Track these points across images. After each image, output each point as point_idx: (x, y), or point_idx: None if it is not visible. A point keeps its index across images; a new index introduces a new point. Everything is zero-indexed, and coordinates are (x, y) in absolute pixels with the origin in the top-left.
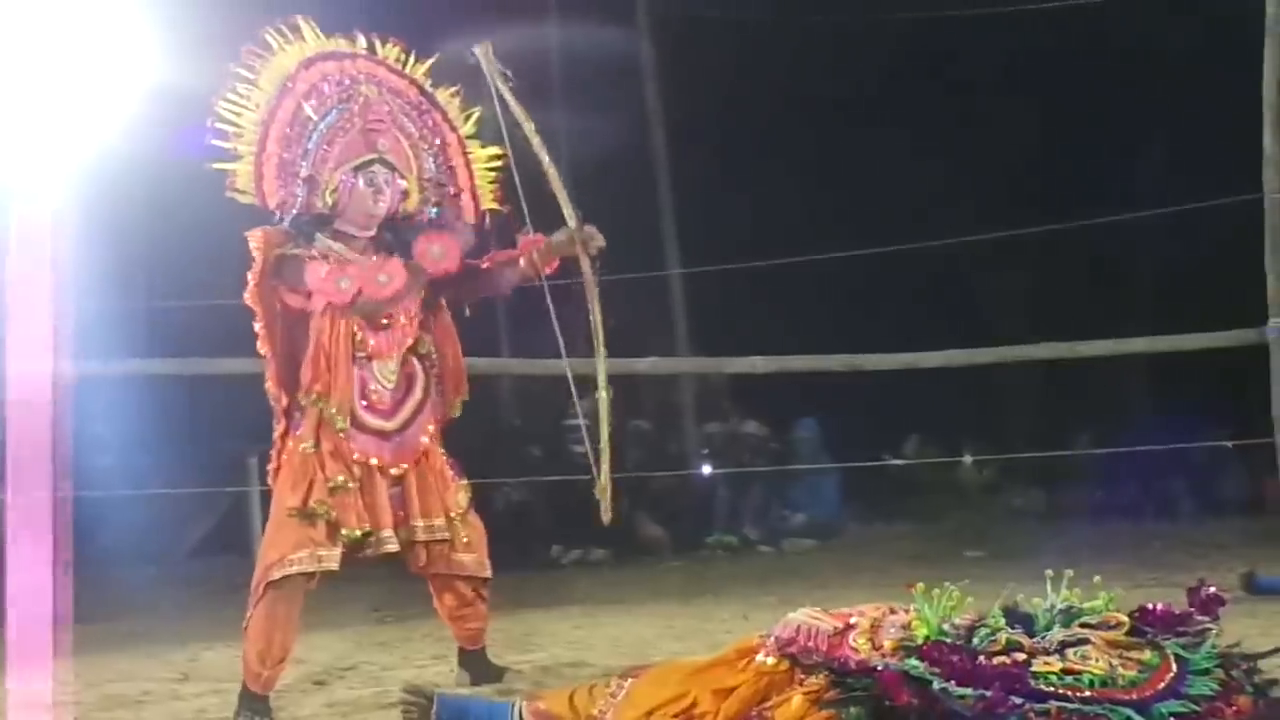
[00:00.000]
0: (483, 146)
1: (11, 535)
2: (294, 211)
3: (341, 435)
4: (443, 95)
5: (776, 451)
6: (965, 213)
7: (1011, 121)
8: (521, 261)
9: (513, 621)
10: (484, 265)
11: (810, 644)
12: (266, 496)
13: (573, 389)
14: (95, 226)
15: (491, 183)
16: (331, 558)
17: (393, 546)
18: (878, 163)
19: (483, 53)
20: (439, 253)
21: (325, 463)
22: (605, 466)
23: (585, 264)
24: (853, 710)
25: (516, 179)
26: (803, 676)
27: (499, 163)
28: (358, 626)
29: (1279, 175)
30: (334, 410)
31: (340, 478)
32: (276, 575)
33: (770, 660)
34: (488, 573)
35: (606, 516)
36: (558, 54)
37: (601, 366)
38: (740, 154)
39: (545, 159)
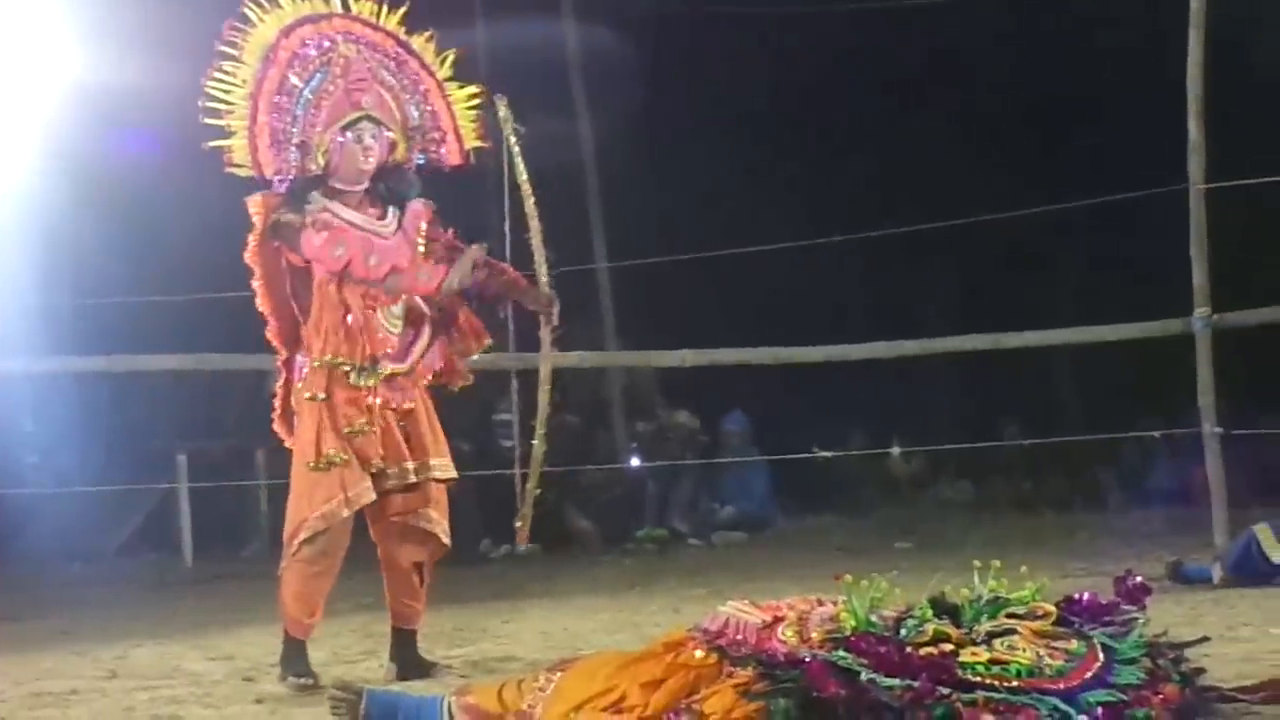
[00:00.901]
0: (460, 87)
1: None
2: (290, 177)
3: (367, 388)
4: (418, 42)
5: (705, 445)
6: (894, 204)
7: (938, 114)
8: (506, 279)
9: (442, 616)
10: (498, 265)
11: (739, 636)
12: (194, 494)
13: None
14: (19, 224)
15: (473, 121)
16: (363, 492)
17: (397, 482)
18: (805, 155)
19: (500, 105)
20: (425, 277)
21: (340, 410)
22: (530, 502)
23: (545, 330)
24: (781, 702)
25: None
26: (731, 669)
27: (477, 100)
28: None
29: (1204, 166)
30: (357, 371)
31: (360, 422)
32: (305, 535)
33: (699, 653)
34: (447, 541)
35: (522, 540)
36: (484, 48)
37: (542, 418)
38: (668, 147)
39: (534, 216)
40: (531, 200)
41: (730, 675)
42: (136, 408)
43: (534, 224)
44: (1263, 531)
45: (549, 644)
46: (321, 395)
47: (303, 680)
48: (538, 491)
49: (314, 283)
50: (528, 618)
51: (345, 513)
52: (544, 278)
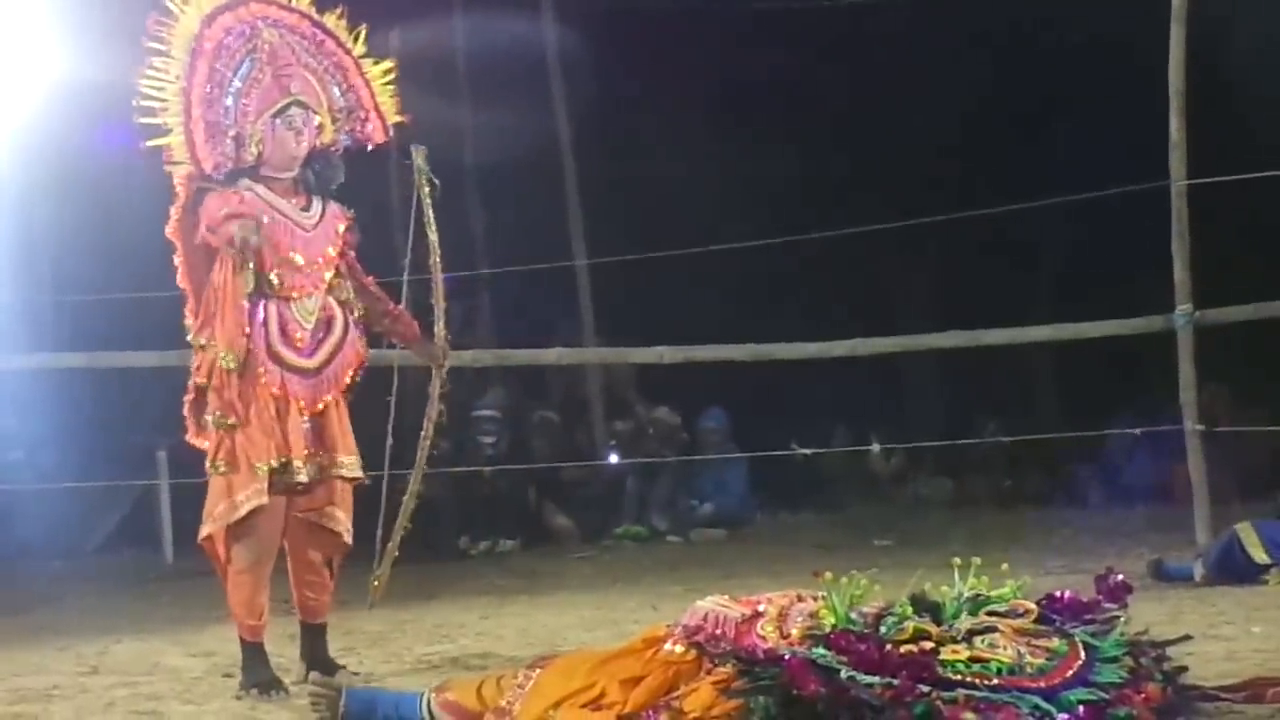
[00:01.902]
0: (375, 63)
1: None
2: (227, 169)
3: (266, 375)
4: (330, 20)
5: (684, 441)
6: (873, 201)
7: (919, 109)
8: (399, 328)
9: (422, 612)
10: (393, 309)
11: (718, 632)
12: (175, 490)
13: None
14: (2, 222)
15: (392, 97)
16: (252, 495)
17: (303, 478)
18: (784, 151)
19: (417, 155)
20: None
21: (224, 398)
22: (388, 561)
23: (435, 383)
24: (760, 699)
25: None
26: (710, 665)
27: (392, 75)
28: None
29: (1185, 163)
30: (221, 352)
31: (219, 414)
32: (209, 529)
33: (678, 649)
34: (349, 541)
35: (373, 600)
36: (464, 47)
37: (418, 473)
38: (648, 144)
39: (438, 269)
40: (437, 255)
41: (709, 672)
42: (117, 404)
43: (437, 276)
44: (1244, 530)
45: (528, 641)
46: (209, 380)
47: (263, 692)
48: (396, 555)
49: (217, 259)
50: (506, 614)
51: (232, 516)
52: (440, 330)
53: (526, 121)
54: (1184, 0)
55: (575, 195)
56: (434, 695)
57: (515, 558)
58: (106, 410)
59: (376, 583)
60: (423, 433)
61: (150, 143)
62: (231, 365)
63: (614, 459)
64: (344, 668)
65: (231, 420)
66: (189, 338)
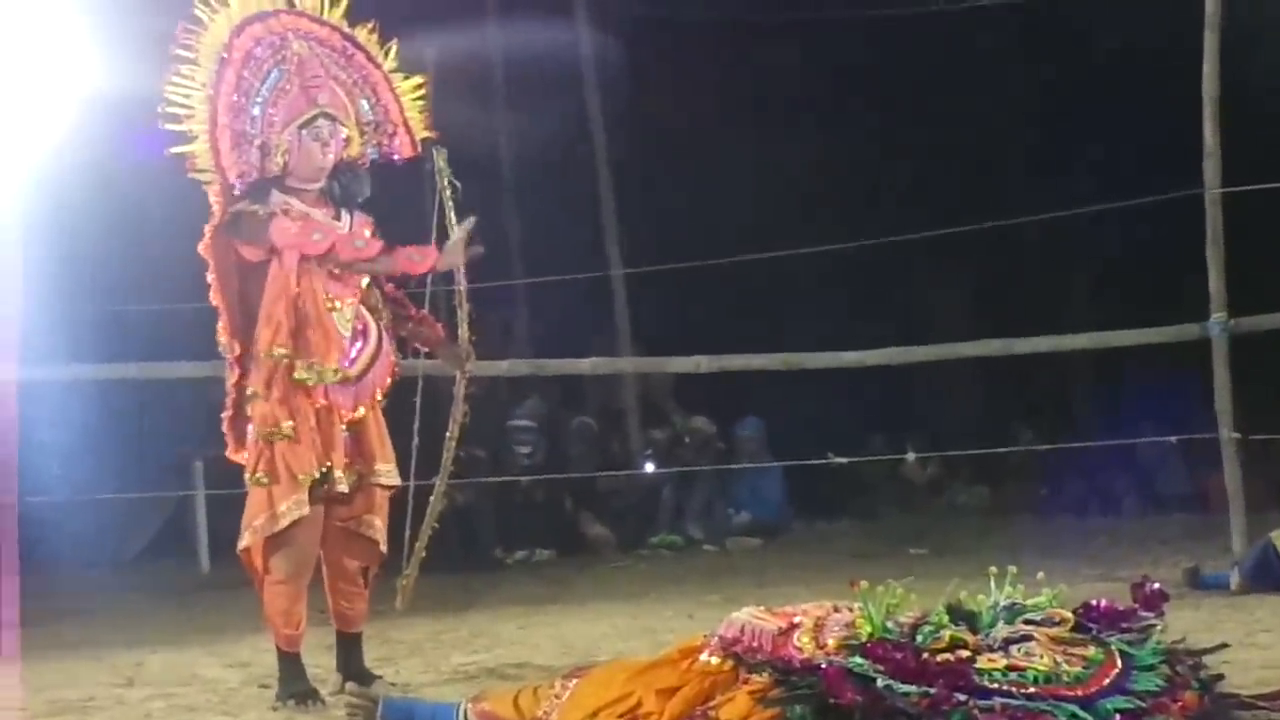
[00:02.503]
0: (405, 78)
1: None
2: (251, 178)
3: (312, 385)
4: (362, 34)
5: (720, 450)
6: (909, 211)
7: (953, 120)
8: (423, 331)
9: (458, 622)
10: (415, 313)
11: (754, 643)
12: (211, 500)
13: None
14: (42, 233)
15: (421, 112)
16: (293, 507)
17: (343, 487)
18: (820, 162)
19: (439, 157)
20: (417, 257)
21: (272, 411)
22: (415, 563)
23: (460, 386)
24: (797, 709)
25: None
26: (747, 675)
27: (422, 90)
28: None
29: (1219, 170)
30: (308, 367)
31: (286, 425)
32: (248, 541)
33: (715, 660)
34: (384, 550)
35: (401, 602)
36: (501, 58)
37: (443, 474)
38: (683, 155)
39: (461, 274)
40: (462, 260)
41: (746, 682)
42: (155, 416)
43: (460, 277)
44: (1279, 538)
45: (564, 650)
46: (260, 392)
47: (300, 703)
48: (424, 556)
49: (269, 275)
50: (543, 624)
51: (273, 529)
52: (464, 334)
53: (562, 132)
54: (1217, 6)
55: (611, 204)
56: (470, 705)
57: (551, 567)
58: (144, 421)
59: (405, 583)
60: (448, 434)
61: (174, 150)
62: (317, 380)
63: (650, 468)
64: (380, 678)
65: (275, 430)
66: (222, 351)
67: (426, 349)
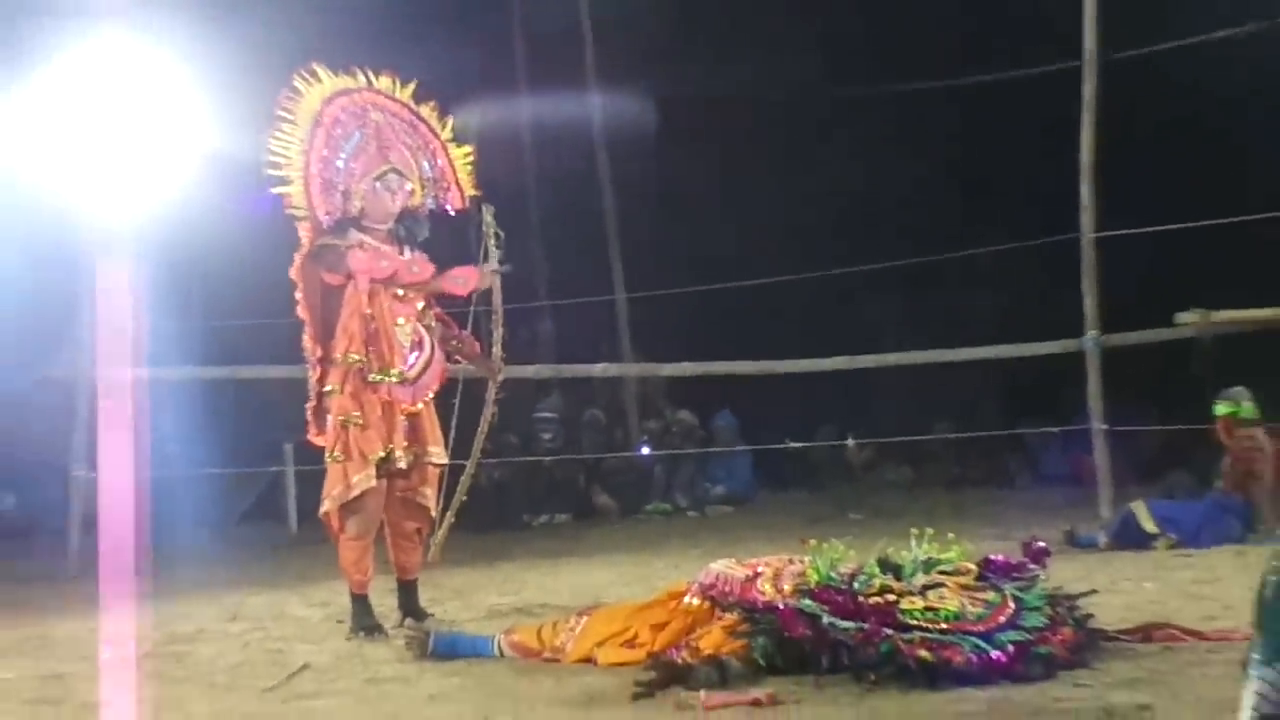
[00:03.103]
0: (458, 146)
1: (101, 506)
2: (335, 216)
3: (379, 383)
4: (425, 111)
5: (701, 437)
6: (854, 246)
7: (890, 172)
8: (464, 347)
9: (495, 571)
10: (458, 333)
11: (727, 588)
12: (299, 475)
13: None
14: (163, 263)
15: (469, 174)
16: (363, 480)
17: (402, 464)
18: (782, 209)
19: (486, 214)
20: (461, 281)
21: (346, 403)
22: (445, 526)
23: (491, 391)
24: (760, 640)
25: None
26: (721, 614)
27: (471, 158)
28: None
29: (1093, 220)
30: (378, 370)
31: (354, 415)
32: (328, 507)
33: (695, 601)
34: (434, 514)
35: (433, 557)
36: (530, 124)
37: (471, 468)
38: (673, 203)
39: (498, 303)
40: (499, 290)
41: (720, 619)
42: (254, 407)
43: (497, 302)
44: (1138, 507)
45: (577, 593)
46: (337, 388)
47: (369, 635)
48: (453, 520)
49: (345, 295)
50: (561, 573)
51: (347, 496)
52: (498, 351)
53: (577, 184)
54: (1093, 93)
55: (616, 244)
56: (503, 637)
57: (567, 528)
58: (246, 412)
59: (436, 541)
60: (479, 429)
61: (275, 190)
62: (388, 378)
63: (645, 451)
64: (431, 615)
65: (352, 419)
66: (306, 355)
67: (466, 360)
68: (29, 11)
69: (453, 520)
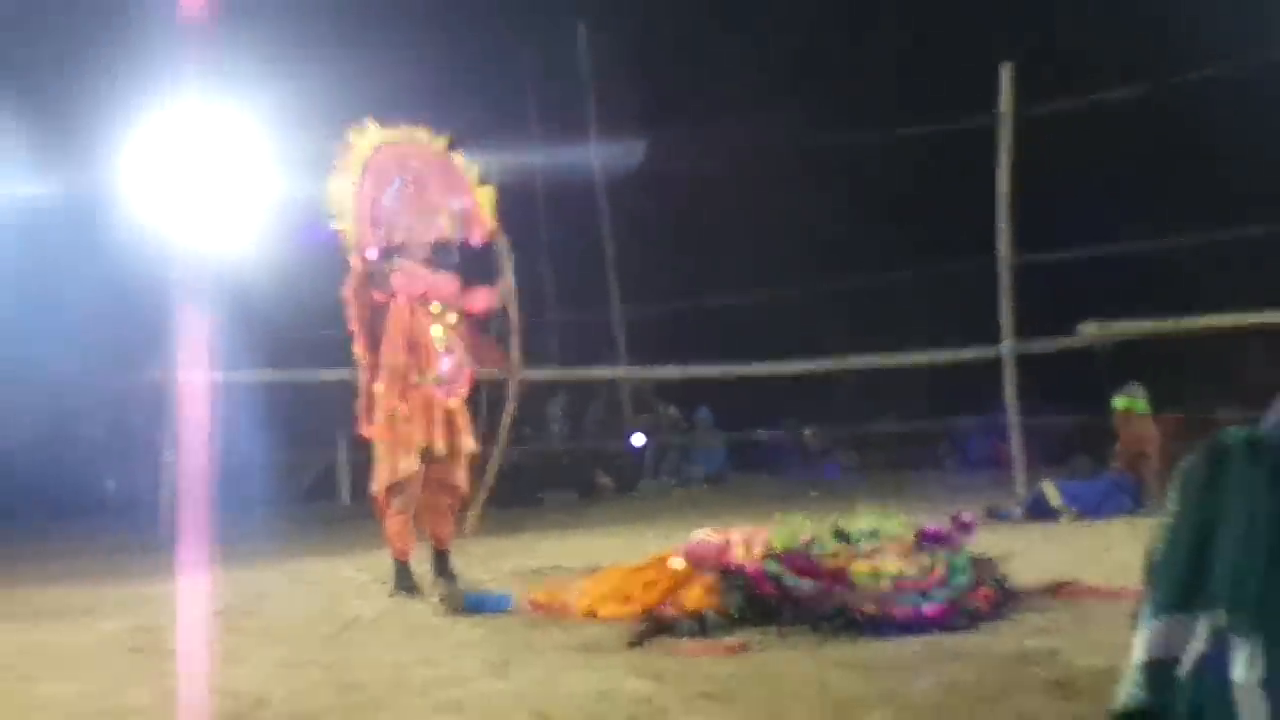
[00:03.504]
0: (482, 187)
1: (182, 487)
2: (380, 248)
3: (420, 385)
4: (456, 158)
5: (685, 428)
6: (810, 268)
7: (841, 206)
8: (485, 355)
9: (514, 541)
10: (480, 340)
11: (706, 553)
12: (351, 461)
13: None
14: (238, 284)
15: (491, 212)
16: (409, 465)
17: (442, 453)
18: (750, 237)
19: (504, 245)
20: (482, 298)
21: (392, 402)
22: (481, 501)
23: (512, 388)
24: (733, 597)
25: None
26: (701, 575)
27: (493, 197)
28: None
29: (1010, 243)
30: (417, 377)
31: (399, 410)
32: (377, 488)
33: (680, 564)
34: (465, 493)
35: (470, 529)
36: (541, 166)
37: (499, 455)
38: (660, 232)
39: (515, 318)
40: (515, 306)
41: (700, 579)
42: (311, 404)
43: (514, 320)
44: (1047, 486)
45: (582, 558)
46: (384, 388)
47: (409, 594)
48: (485, 498)
49: (390, 312)
50: (569, 541)
51: (394, 479)
52: (515, 354)
53: (581, 216)
54: (1009, 134)
55: (614, 266)
56: (521, 595)
57: (574, 504)
58: (306, 407)
59: (472, 517)
60: (502, 424)
61: (334, 226)
62: (430, 380)
63: (638, 439)
64: (460, 575)
65: (395, 414)
66: (358, 360)
67: (488, 365)
68: (134, 72)
69: (484, 498)
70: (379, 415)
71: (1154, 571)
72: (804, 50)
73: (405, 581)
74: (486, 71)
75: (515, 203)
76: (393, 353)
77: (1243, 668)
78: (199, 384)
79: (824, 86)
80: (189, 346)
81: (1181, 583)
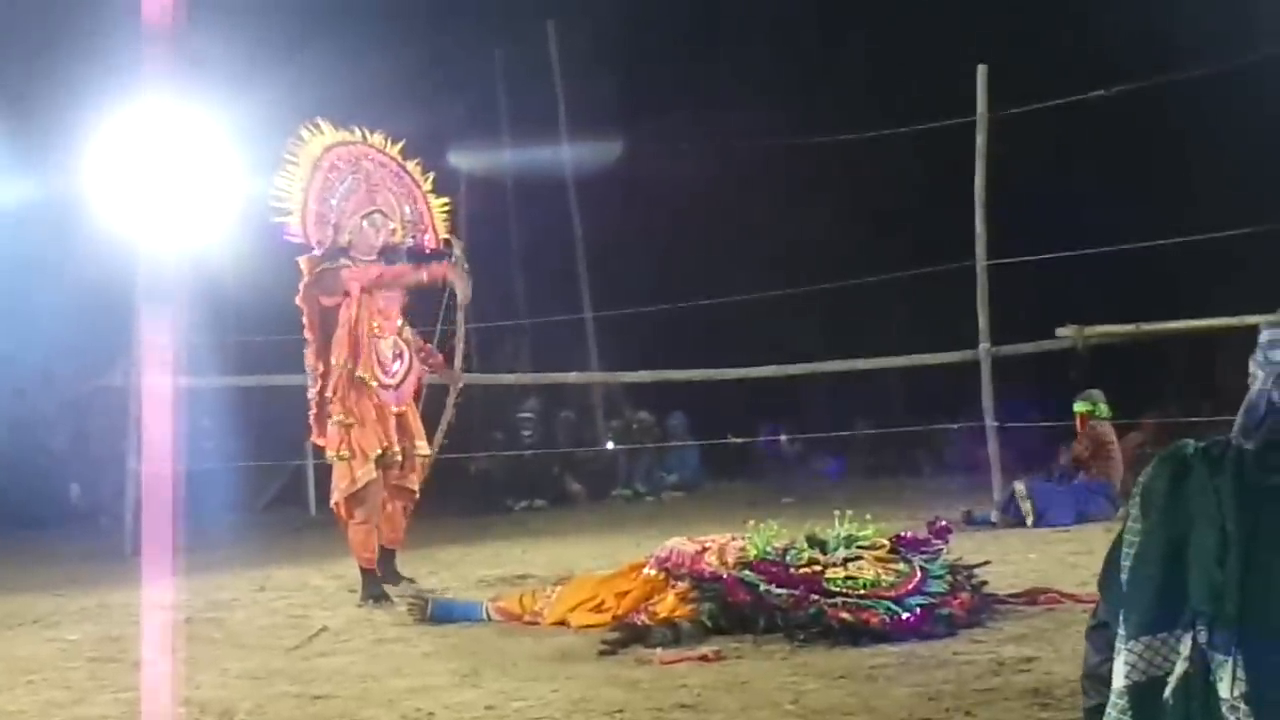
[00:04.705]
0: (436, 196)
1: (144, 494)
2: (327, 246)
3: (364, 385)
4: (410, 165)
5: (657, 434)
6: (784, 271)
7: (816, 209)
8: (429, 360)
9: (481, 547)
10: (425, 345)
11: (679, 561)
12: (317, 468)
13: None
14: (200, 288)
15: (444, 220)
16: (365, 473)
17: (398, 458)
18: (723, 242)
19: (456, 246)
20: (432, 272)
21: (340, 407)
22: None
23: (452, 395)
24: (707, 605)
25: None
26: (674, 583)
27: (448, 206)
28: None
29: (986, 249)
30: (362, 372)
31: (340, 417)
32: (338, 498)
33: (653, 572)
34: (417, 496)
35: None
36: (513, 168)
37: (437, 442)
38: (631, 234)
39: (463, 324)
40: (463, 313)
41: (673, 587)
42: (278, 409)
43: (460, 327)
44: (1018, 485)
45: (553, 566)
46: (336, 394)
47: (377, 602)
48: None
49: (339, 316)
50: (539, 549)
51: (353, 489)
52: (458, 362)
53: (552, 219)
54: (984, 140)
55: (585, 271)
56: (490, 603)
57: (544, 511)
58: (271, 413)
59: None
60: (440, 427)
61: (277, 219)
62: (372, 380)
63: (610, 445)
64: (407, 579)
65: (351, 421)
66: (309, 370)
67: (431, 371)
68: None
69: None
70: (332, 424)
71: (1126, 592)
72: (778, 51)
73: (373, 590)
74: (456, 71)
75: (486, 204)
76: (338, 353)
77: (1227, 683)
78: (164, 389)
79: (800, 87)
80: (154, 351)
81: (1158, 602)
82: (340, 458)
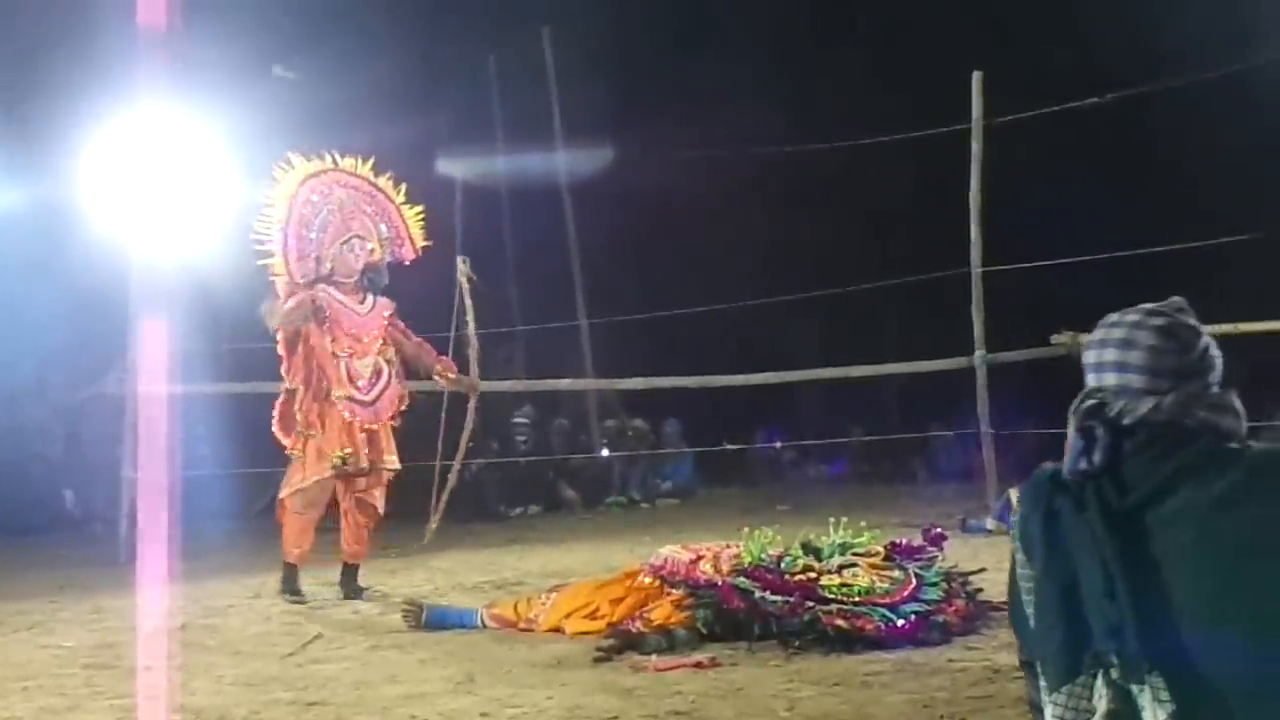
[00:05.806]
0: (410, 208)
1: (141, 500)
2: (310, 279)
3: (330, 401)
4: (382, 181)
5: (652, 440)
6: (780, 278)
7: (811, 216)
8: (437, 366)
9: (476, 554)
10: (416, 340)
11: (674, 569)
12: None
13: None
14: (195, 296)
15: (420, 230)
16: (319, 472)
17: (364, 466)
18: (714, 246)
19: (462, 264)
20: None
21: (307, 420)
22: (439, 514)
23: (472, 403)
24: (702, 612)
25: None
26: (669, 590)
27: (422, 215)
28: (372, 559)
29: (981, 255)
30: (337, 391)
31: (301, 428)
32: (284, 494)
33: (648, 579)
34: (381, 513)
35: (428, 539)
36: (508, 177)
37: (457, 466)
38: (626, 242)
39: (474, 334)
40: (473, 325)
41: (668, 594)
42: (269, 416)
43: (472, 338)
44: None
45: (548, 573)
46: (304, 406)
47: (294, 600)
48: (442, 510)
49: (312, 341)
50: (533, 556)
51: (305, 485)
52: (475, 370)
53: (548, 228)
54: (980, 149)
55: (580, 278)
56: (485, 610)
57: (538, 518)
58: (264, 420)
59: (431, 528)
60: (464, 436)
61: (260, 261)
62: (339, 395)
63: (605, 452)
64: (367, 589)
65: (312, 432)
66: (285, 381)
67: (428, 368)
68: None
69: (442, 509)
70: (296, 429)
71: (1038, 643)
72: (774, 58)
73: (291, 585)
74: (450, 77)
75: (481, 213)
76: (310, 372)
77: (1150, 712)
78: (159, 396)
79: (795, 94)
80: (149, 358)
81: (1066, 651)
82: (296, 456)
